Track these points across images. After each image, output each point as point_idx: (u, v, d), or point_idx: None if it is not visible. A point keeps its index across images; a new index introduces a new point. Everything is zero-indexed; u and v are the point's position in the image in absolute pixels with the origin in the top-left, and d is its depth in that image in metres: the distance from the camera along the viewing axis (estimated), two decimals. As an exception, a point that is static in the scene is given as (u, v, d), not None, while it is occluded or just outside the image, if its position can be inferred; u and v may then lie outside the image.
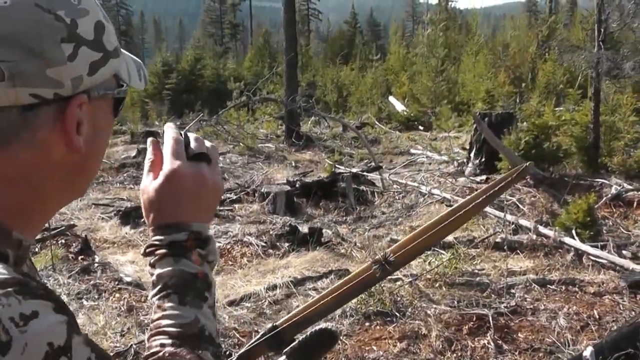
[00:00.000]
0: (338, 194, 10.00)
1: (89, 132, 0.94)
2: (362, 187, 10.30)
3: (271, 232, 8.09)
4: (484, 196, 1.26)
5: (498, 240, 7.33)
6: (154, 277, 1.09)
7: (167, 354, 1.00)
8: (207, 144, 1.17)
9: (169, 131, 1.16)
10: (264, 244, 7.74)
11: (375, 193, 10.23)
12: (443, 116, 19.64)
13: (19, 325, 0.75)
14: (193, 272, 1.08)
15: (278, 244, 7.80)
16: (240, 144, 15.88)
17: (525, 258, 6.98)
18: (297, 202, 9.72)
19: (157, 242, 1.09)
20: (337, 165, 12.32)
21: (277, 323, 1.33)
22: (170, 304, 1.05)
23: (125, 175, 13.50)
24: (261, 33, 47.48)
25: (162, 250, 1.08)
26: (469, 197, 1.29)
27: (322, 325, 1.33)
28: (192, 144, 1.14)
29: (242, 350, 1.34)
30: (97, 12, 0.95)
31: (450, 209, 1.26)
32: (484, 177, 10.23)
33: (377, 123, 21.65)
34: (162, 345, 1.01)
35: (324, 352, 1.36)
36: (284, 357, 1.36)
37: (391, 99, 26.57)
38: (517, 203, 8.65)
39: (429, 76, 25.13)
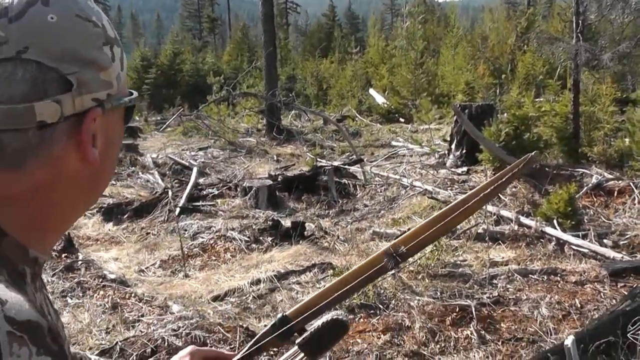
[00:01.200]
0: (320, 187, 10.03)
1: (103, 144, 0.96)
2: (344, 180, 10.33)
3: (254, 227, 8.10)
4: (493, 187, 1.28)
5: (480, 231, 7.38)
6: None
7: None
8: None
9: None
10: (247, 239, 7.75)
11: (357, 186, 10.26)
12: (423, 108, 19.70)
13: None
14: None
15: (261, 238, 7.82)
16: (222, 138, 15.85)
17: (507, 248, 7.04)
18: (279, 196, 9.73)
19: None
20: (318, 159, 12.35)
21: (286, 313, 1.37)
22: None
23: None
24: (239, 27, 47.34)
25: None
26: (478, 187, 1.30)
27: (333, 314, 1.37)
28: None
29: (252, 341, 1.37)
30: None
31: (459, 199, 1.27)
32: (465, 168, 10.29)
33: (357, 116, 21.72)
34: None
35: (335, 342, 1.40)
36: (296, 347, 1.38)
37: (371, 91, 26.64)
38: (499, 194, 8.71)
39: (409, 69, 25.16)
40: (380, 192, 9.88)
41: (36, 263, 0.93)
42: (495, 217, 7.87)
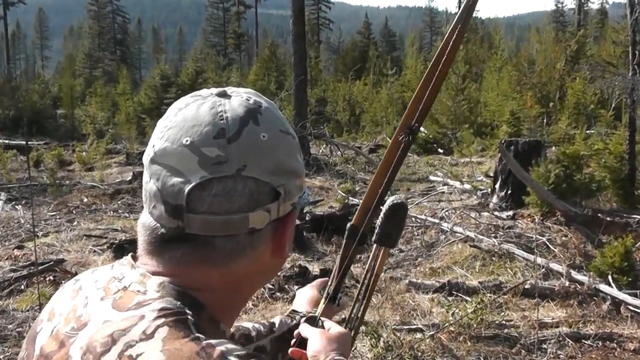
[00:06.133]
0: (351, 228, 9.90)
1: (287, 238, 1.14)
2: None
3: (279, 273, 8.01)
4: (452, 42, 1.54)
5: (527, 286, 7.22)
6: None
7: None
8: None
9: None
10: (271, 286, 7.66)
11: (392, 227, 10.11)
12: (465, 142, 19.55)
13: None
14: None
15: (286, 286, 7.74)
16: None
17: (557, 307, 6.87)
18: (307, 237, 9.64)
19: None
20: (349, 197, 12.26)
21: (352, 222, 1.65)
22: None
23: (119, 202, 13.46)
24: (267, 44, 47.61)
25: None
26: (436, 54, 1.57)
27: (388, 203, 1.64)
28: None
29: (340, 256, 1.66)
30: None
31: (430, 64, 1.46)
32: (510, 212, 10.08)
33: (393, 145, 21.60)
34: None
35: (403, 224, 1.69)
36: (375, 245, 1.68)
37: (408, 118, 26.53)
38: (548, 243, 8.54)
39: (449, 95, 24.95)
40: (418, 235, 9.76)
41: (223, 336, 1.08)
42: (543, 270, 7.70)
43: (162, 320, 0.98)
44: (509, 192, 10.62)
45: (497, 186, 10.99)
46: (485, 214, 10.37)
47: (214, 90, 1.11)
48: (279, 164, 1.07)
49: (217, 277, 1.08)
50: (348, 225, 1.66)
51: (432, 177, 15.41)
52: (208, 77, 36.98)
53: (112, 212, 12.58)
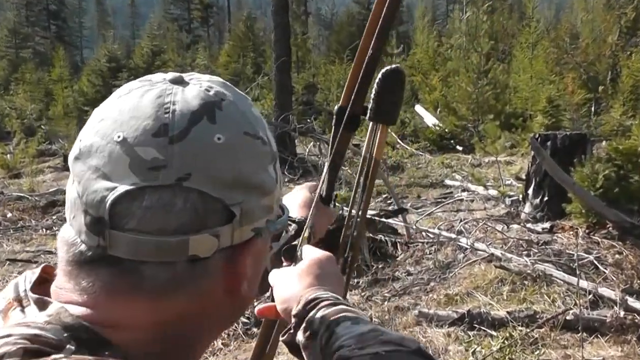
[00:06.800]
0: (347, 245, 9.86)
1: (252, 274, 1.11)
2: (379, 236, 10.16)
3: (255, 303, 7.92)
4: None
5: (569, 317, 7.17)
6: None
7: None
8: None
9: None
10: (246, 320, 7.60)
11: (398, 244, 10.09)
12: (489, 136, 19.53)
13: None
14: None
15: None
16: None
17: (610, 344, 6.82)
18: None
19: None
20: (344, 207, 12.21)
21: (340, 104, 1.72)
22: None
23: (54, 217, 13.39)
24: (242, 18, 47.73)
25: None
26: None
27: (382, 72, 1.67)
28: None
29: (330, 147, 1.74)
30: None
31: None
32: (547, 224, 10.06)
33: (399, 142, 21.61)
34: None
35: (401, 91, 1.72)
36: (371, 123, 1.74)
37: (418, 108, 26.52)
38: (596, 263, 8.50)
39: (469, 78, 24.84)
40: (430, 253, 9.70)
41: None
42: (591, 296, 7.64)
43: (23, 343, 0.92)
44: (545, 198, 10.61)
45: (530, 192, 10.99)
46: (515, 226, 10.36)
47: (168, 76, 1.08)
48: (237, 175, 1.03)
49: (146, 314, 1.02)
50: (335, 107, 1.73)
51: (448, 181, 15.47)
52: (168, 58, 37.12)
53: (44, 229, 12.52)
